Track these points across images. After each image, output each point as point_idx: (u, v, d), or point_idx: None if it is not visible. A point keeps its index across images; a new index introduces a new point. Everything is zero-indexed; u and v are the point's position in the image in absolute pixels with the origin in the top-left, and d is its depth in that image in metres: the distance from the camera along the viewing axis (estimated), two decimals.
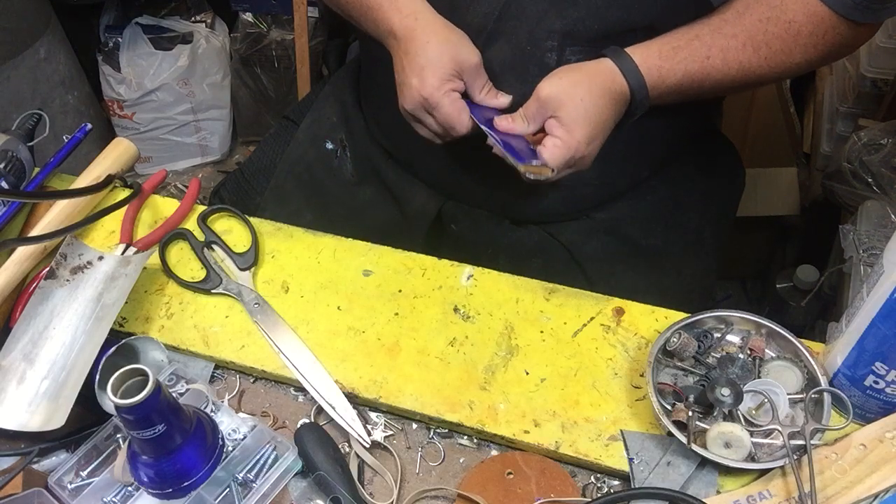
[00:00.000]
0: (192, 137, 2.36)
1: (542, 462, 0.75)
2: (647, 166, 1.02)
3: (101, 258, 0.86)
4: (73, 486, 0.73)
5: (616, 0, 0.83)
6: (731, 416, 0.73)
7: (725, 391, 0.72)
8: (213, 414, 0.76)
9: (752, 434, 0.71)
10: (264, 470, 0.73)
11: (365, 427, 0.77)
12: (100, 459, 0.74)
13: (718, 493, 0.72)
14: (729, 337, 0.80)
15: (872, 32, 0.89)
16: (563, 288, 0.87)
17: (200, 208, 0.97)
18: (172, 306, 0.88)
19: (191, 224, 0.95)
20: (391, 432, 0.78)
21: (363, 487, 0.74)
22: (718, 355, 0.79)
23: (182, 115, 2.29)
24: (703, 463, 0.73)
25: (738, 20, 0.84)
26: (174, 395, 0.75)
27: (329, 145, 1.13)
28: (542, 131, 0.83)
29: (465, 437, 0.78)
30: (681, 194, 1.07)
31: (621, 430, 0.76)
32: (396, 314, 0.86)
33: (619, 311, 0.85)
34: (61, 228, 0.90)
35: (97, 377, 0.73)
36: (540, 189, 0.98)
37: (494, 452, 0.77)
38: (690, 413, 0.73)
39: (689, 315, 0.81)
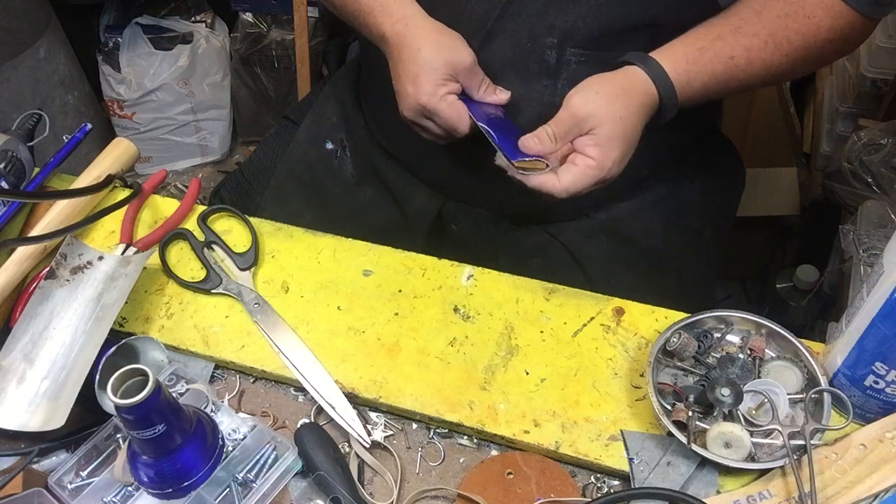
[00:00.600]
0: (192, 137, 2.36)
1: (542, 462, 0.75)
2: (647, 166, 1.02)
3: (101, 258, 0.86)
4: (73, 486, 0.73)
5: None
6: (731, 416, 0.73)
7: (725, 391, 0.72)
8: (213, 414, 0.76)
9: (752, 434, 0.71)
10: (264, 470, 0.73)
11: (365, 427, 0.77)
12: (100, 459, 0.74)
13: (718, 493, 0.72)
14: (729, 337, 0.80)
15: (874, 27, 0.90)
16: (563, 288, 0.87)
17: (200, 208, 0.97)
18: (172, 306, 0.88)
19: (191, 224, 0.95)
20: (391, 432, 0.78)
21: (363, 487, 0.74)
22: (718, 355, 0.79)
23: (182, 115, 2.29)
24: (703, 463, 0.73)
25: (757, 18, 0.84)
26: (174, 395, 0.75)
27: (329, 145, 1.13)
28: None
29: (465, 437, 0.78)
30: (681, 194, 1.07)
31: (621, 430, 0.76)
32: (396, 314, 0.86)
33: (619, 311, 0.85)
34: (61, 228, 0.90)
35: (97, 377, 0.73)
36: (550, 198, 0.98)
37: (494, 452, 0.77)
38: (690, 413, 0.73)
39: (689, 315, 0.81)
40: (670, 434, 0.72)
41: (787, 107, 1.96)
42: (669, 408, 0.74)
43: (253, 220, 0.95)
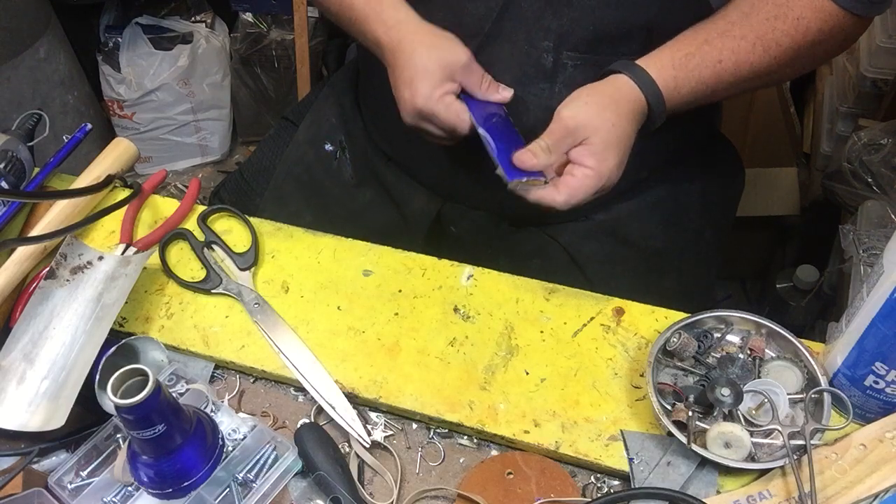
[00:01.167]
0: (192, 137, 2.36)
1: (542, 462, 0.75)
2: (646, 167, 1.02)
3: (101, 258, 0.86)
4: (73, 486, 0.73)
5: (611, 0, 0.82)
6: (731, 416, 0.73)
7: (725, 391, 0.72)
8: (213, 414, 0.76)
9: (752, 434, 0.71)
10: (264, 470, 0.73)
11: (365, 427, 0.77)
12: (100, 459, 0.74)
13: (718, 493, 0.72)
14: (729, 337, 0.80)
15: (868, 26, 0.89)
16: (563, 288, 0.87)
17: (200, 208, 0.97)
18: (172, 306, 0.88)
19: (191, 224, 0.95)
20: (391, 432, 0.78)
21: (363, 487, 0.74)
22: (718, 355, 0.79)
23: (182, 115, 2.29)
24: (703, 463, 0.73)
25: (745, 21, 0.84)
26: (174, 395, 0.75)
27: (328, 147, 1.13)
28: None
29: (465, 437, 0.78)
30: (681, 194, 1.07)
31: (621, 430, 0.76)
32: (396, 314, 0.86)
33: (619, 311, 0.85)
34: (61, 228, 0.90)
35: (97, 377, 0.73)
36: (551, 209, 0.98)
37: (494, 452, 0.77)
38: (690, 413, 0.73)
39: (689, 315, 0.81)
40: (670, 434, 0.72)
41: (787, 107, 1.96)
42: (669, 408, 0.75)
43: (253, 220, 0.95)
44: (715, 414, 0.73)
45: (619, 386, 0.79)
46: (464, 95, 0.85)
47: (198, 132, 2.36)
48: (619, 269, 1.03)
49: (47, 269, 0.85)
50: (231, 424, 0.76)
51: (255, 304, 0.86)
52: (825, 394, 0.73)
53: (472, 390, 0.79)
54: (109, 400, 0.63)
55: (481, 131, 0.82)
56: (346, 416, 0.77)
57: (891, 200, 1.43)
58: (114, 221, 0.95)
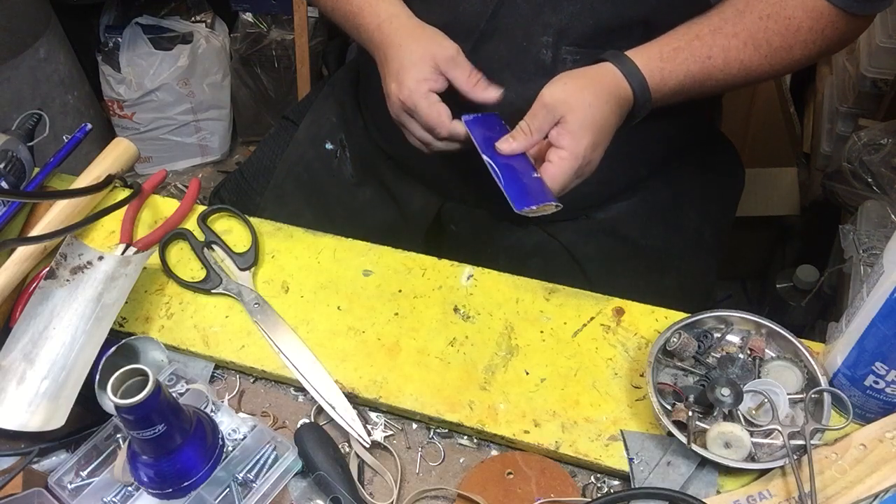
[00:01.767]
0: (192, 137, 2.36)
1: (542, 462, 0.75)
2: (646, 165, 1.02)
3: (101, 258, 0.86)
4: (73, 486, 0.73)
5: None
6: (731, 416, 0.73)
7: (725, 391, 0.72)
8: (213, 414, 0.76)
9: (752, 434, 0.71)
10: (264, 470, 0.73)
11: (365, 427, 0.77)
12: (100, 459, 0.74)
13: (718, 493, 0.72)
14: (729, 337, 0.80)
15: (867, 25, 0.90)
16: (563, 288, 0.87)
17: (200, 208, 0.97)
18: (172, 306, 0.88)
19: (191, 224, 0.95)
20: (391, 432, 0.78)
21: (363, 487, 0.74)
22: (718, 355, 0.79)
23: (182, 115, 2.29)
24: (703, 463, 0.73)
25: (738, 19, 0.84)
26: (174, 395, 0.75)
27: (329, 146, 1.13)
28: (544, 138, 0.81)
29: (465, 437, 0.78)
30: (681, 194, 1.07)
31: (621, 430, 0.76)
32: (396, 314, 0.86)
33: (619, 311, 0.85)
34: (61, 228, 0.90)
35: (97, 377, 0.73)
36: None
37: (494, 452, 0.77)
38: (690, 413, 0.73)
39: (689, 315, 0.81)
40: (670, 434, 0.72)
41: (787, 107, 1.96)
42: (669, 408, 0.75)
43: (253, 220, 0.95)
44: (715, 414, 0.73)
45: (619, 386, 0.79)
46: (465, 117, 0.84)
47: (198, 132, 2.36)
48: (619, 268, 1.03)
49: (47, 269, 0.85)
50: (231, 424, 0.76)
51: (255, 304, 0.86)
52: (825, 394, 0.73)
53: (472, 390, 0.79)
54: (109, 400, 0.63)
55: (485, 158, 0.81)
56: (346, 416, 0.77)
57: (891, 200, 1.43)
58: (114, 221, 0.95)
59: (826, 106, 1.82)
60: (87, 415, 0.76)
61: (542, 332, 0.84)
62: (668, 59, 0.84)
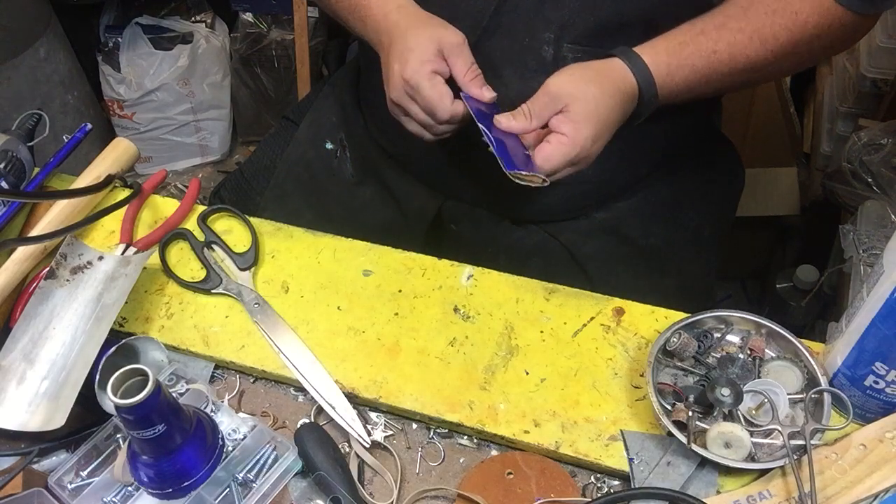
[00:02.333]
0: (192, 137, 2.36)
1: (542, 462, 0.75)
2: (646, 165, 1.02)
3: (101, 258, 0.86)
4: (73, 486, 0.73)
5: None
6: (731, 416, 0.73)
7: (725, 391, 0.72)
8: (213, 414, 0.76)
9: (752, 434, 0.71)
10: (264, 470, 0.73)
11: (365, 427, 0.77)
12: (100, 459, 0.74)
13: (718, 493, 0.72)
14: (729, 337, 0.80)
15: (872, 24, 0.89)
16: (563, 288, 0.87)
17: (200, 208, 0.97)
18: (172, 306, 0.88)
19: (191, 224, 0.95)
20: (391, 432, 0.78)
21: (363, 487, 0.74)
22: (718, 355, 0.79)
23: (182, 115, 2.29)
24: (703, 463, 0.73)
25: (743, 14, 0.84)
26: (174, 395, 0.75)
27: (329, 145, 1.13)
28: (543, 128, 0.82)
29: (465, 437, 0.78)
30: (681, 194, 1.07)
31: (621, 430, 0.76)
32: (396, 314, 0.86)
33: (619, 311, 0.85)
34: (61, 228, 0.90)
35: (97, 377, 0.73)
36: (539, 188, 0.98)
37: (494, 452, 0.77)
38: (690, 413, 0.73)
39: (689, 315, 0.81)
40: (670, 434, 0.72)
41: (787, 107, 1.96)
42: (669, 408, 0.74)
43: (253, 220, 0.95)
44: (715, 414, 0.73)
45: (619, 386, 0.79)
46: (464, 94, 0.84)
47: (198, 132, 2.36)
48: (620, 267, 1.03)
49: (47, 269, 0.85)
50: (231, 424, 0.76)
51: (255, 304, 0.86)
52: (825, 394, 0.73)
53: (472, 390, 0.79)
54: (109, 400, 0.63)
55: (481, 127, 0.81)
56: (346, 416, 0.77)
57: (891, 200, 1.43)
58: (114, 221, 0.95)
59: (826, 106, 1.82)
60: (87, 415, 0.76)
61: (542, 332, 0.84)
62: (674, 53, 0.83)
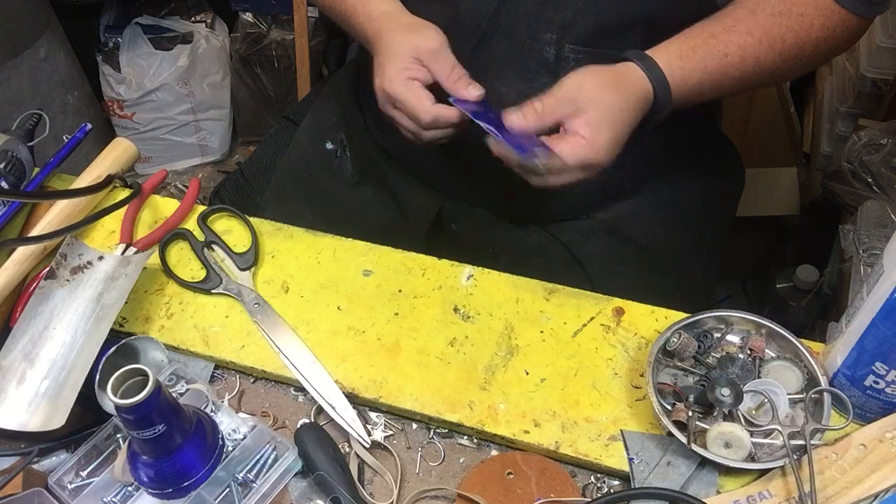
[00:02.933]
0: (192, 137, 2.36)
1: (542, 462, 0.75)
2: (646, 165, 1.02)
3: (101, 258, 0.86)
4: (73, 486, 0.73)
5: None
6: (731, 416, 0.73)
7: (725, 391, 0.72)
8: (213, 414, 0.76)
9: (752, 434, 0.71)
10: (264, 470, 0.73)
11: (365, 427, 0.77)
12: (100, 459, 0.74)
13: (718, 493, 0.72)
14: (729, 337, 0.80)
15: (869, 25, 0.90)
16: (563, 288, 0.87)
17: (200, 208, 0.97)
18: (172, 306, 0.88)
19: (191, 224, 0.95)
20: (391, 432, 0.78)
21: (363, 487, 0.74)
22: (718, 355, 0.79)
23: (182, 115, 2.29)
24: (703, 463, 0.73)
25: (750, 17, 0.84)
26: (174, 395, 0.75)
27: (329, 145, 1.13)
28: (553, 130, 0.80)
29: (465, 437, 0.78)
30: (681, 193, 1.07)
31: (621, 430, 0.76)
32: (396, 314, 0.86)
33: (619, 311, 0.85)
34: (61, 228, 0.90)
35: (97, 377, 0.73)
36: (542, 189, 0.98)
37: (494, 452, 0.77)
38: (690, 413, 0.73)
39: (689, 315, 0.81)
40: (670, 434, 0.72)
41: (787, 107, 1.96)
42: (669, 408, 0.74)
43: (253, 220, 0.95)
44: (715, 414, 0.73)
45: (619, 386, 0.79)
46: (453, 98, 0.84)
47: (198, 132, 2.36)
48: (620, 267, 1.03)
49: (47, 269, 0.85)
50: (231, 424, 0.76)
51: (255, 304, 0.86)
52: (825, 394, 0.73)
53: (472, 390, 0.79)
54: (109, 400, 0.63)
55: (481, 124, 0.80)
56: (346, 416, 0.77)
57: (891, 200, 1.43)
58: (114, 221, 0.95)
59: (826, 106, 1.82)
60: (87, 415, 0.76)
61: (542, 332, 0.84)
62: (687, 57, 0.83)
